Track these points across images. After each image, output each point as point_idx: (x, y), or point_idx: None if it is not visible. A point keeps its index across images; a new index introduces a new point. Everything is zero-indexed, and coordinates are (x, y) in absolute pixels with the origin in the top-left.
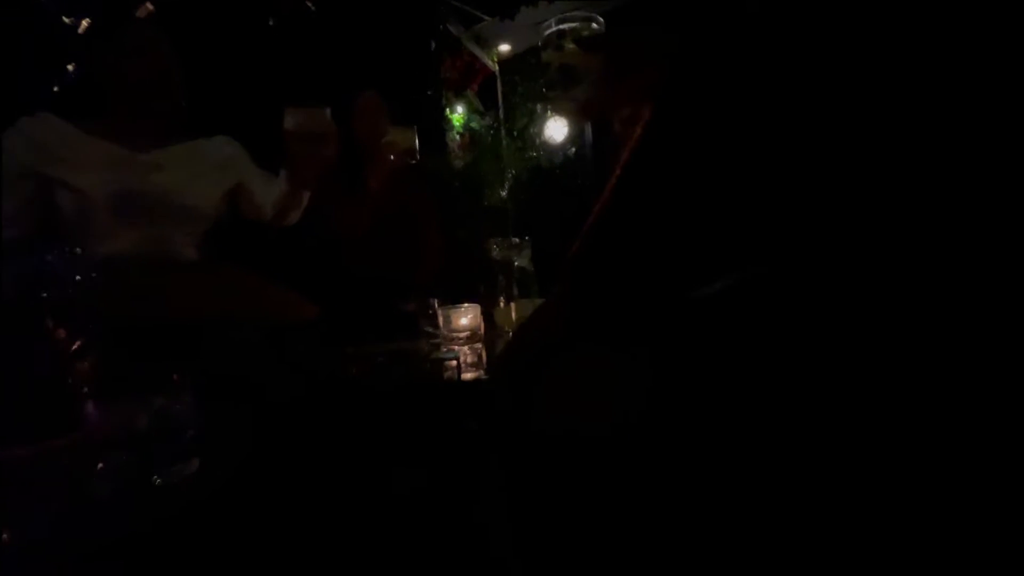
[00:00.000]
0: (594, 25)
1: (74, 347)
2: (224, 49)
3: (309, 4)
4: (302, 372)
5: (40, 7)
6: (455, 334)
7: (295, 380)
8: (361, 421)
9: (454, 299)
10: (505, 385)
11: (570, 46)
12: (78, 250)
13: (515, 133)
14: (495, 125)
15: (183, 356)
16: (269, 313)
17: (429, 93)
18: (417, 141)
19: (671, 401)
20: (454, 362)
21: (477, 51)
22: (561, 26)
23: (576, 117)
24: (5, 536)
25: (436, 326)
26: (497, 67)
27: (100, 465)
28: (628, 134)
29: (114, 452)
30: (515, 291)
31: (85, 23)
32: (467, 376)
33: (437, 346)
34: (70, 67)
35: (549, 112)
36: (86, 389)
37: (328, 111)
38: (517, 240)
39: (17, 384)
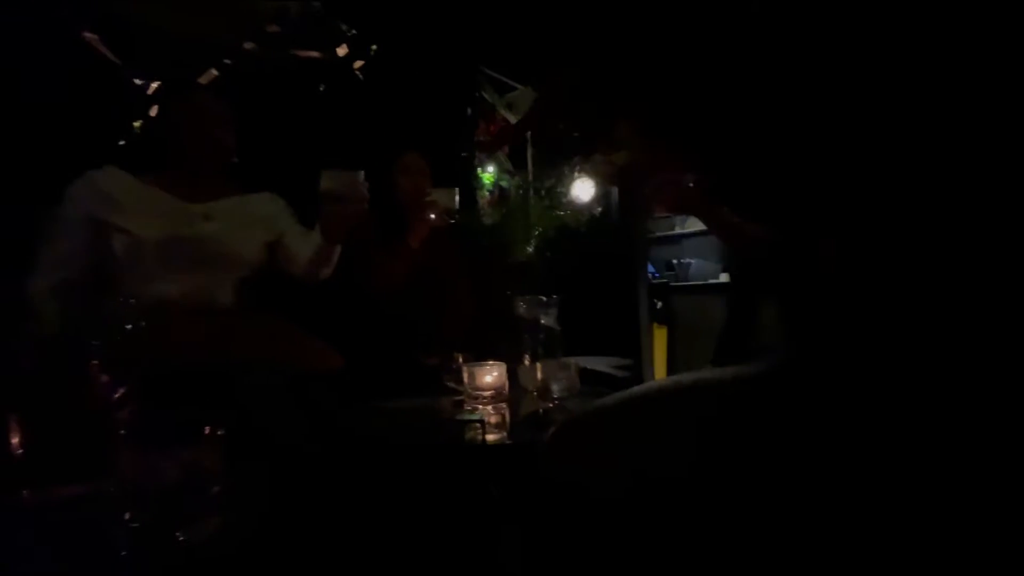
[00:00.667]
0: None
1: (116, 395)
2: (278, 111)
3: (358, 73)
4: (323, 424)
5: (114, 68)
6: (479, 392)
7: (314, 432)
8: (381, 479)
9: (479, 356)
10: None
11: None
12: (132, 300)
13: (543, 192)
14: (524, 184)
15: (210, 403)
16: (296, 360)
17: (463, 155)
18: (457, 201)
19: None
20: (478, 424)
21: (510, 116)
22: None
23: (612, 181)
24: None
25: (459, 382)
26: (528, 131)
27: (127, 515)
28: (656, 199)
29: (141, 504)
30: (540, 350)
31: (155, 85)
32: (490, 438)
33: (460, 404)
34: (136, 124)
35: (576, 173)
36: (122, 437)
37: (361, 174)
38: (544, 298)
39: (59, 426)
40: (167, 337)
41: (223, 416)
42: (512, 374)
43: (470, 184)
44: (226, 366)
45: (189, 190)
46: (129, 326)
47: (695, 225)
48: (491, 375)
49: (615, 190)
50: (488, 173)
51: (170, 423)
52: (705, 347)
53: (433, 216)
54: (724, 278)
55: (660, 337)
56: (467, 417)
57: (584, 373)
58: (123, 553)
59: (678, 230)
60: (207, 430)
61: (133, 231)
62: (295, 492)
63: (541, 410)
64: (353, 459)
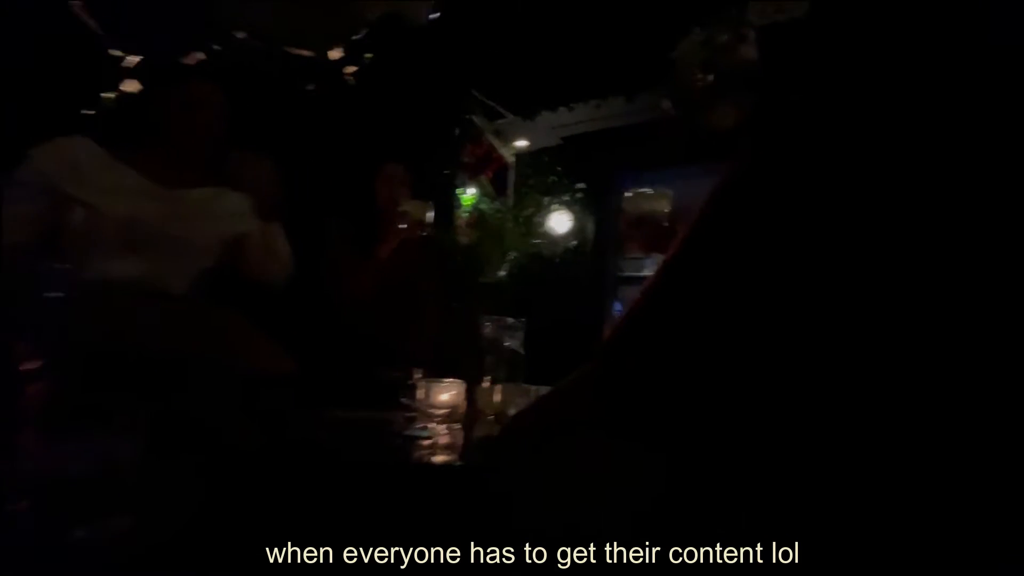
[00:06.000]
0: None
1: (30, 366)
2: (261, 105)
3: (349, 78)
4: (266, 428)
5: (91, 35)
6: (433, 410)
7: (256, 436)
8: (320, 492)
9: (439, 373)
10: (506, 461)
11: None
12: (68, 266)
13: (520, 219)
14: (503, 210)
15: (145, 393)
16: (245, 358)
17: (446, 172)
18: (432, 215)
19: (683, 506)
20: (427, 441)
21: (496, 143)
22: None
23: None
24: None
25: (414, 398)
26: (513, 159)
27: (20, 504)
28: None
29: (38, 492)
30: (502, 374)
31: (133, 59)
32: (438, 459)
33: (412, 420)
34: (107, 96)
35: (555, 206)
36: (29, 416)
37: (266, 160)
38: (511, 320)
39: None
40: (117, 316)
41: (152, 406)
42: (470, 395)
43: (449, 203)
44: (173, 355)
45: (165, 173)
46: (59, 294)
47: None
48: (448, 393)
49: (591, 225)
50: (469, 195)
51: (91, 407)
52: None
53: (404, 226)
54: None
55: None
56: (416, 433)
57: None
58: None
59: (647, 272)
60: (127, 418)
61: (94, 206)
62: (222, 493)
63: (496, 435)
64: (292, 467)
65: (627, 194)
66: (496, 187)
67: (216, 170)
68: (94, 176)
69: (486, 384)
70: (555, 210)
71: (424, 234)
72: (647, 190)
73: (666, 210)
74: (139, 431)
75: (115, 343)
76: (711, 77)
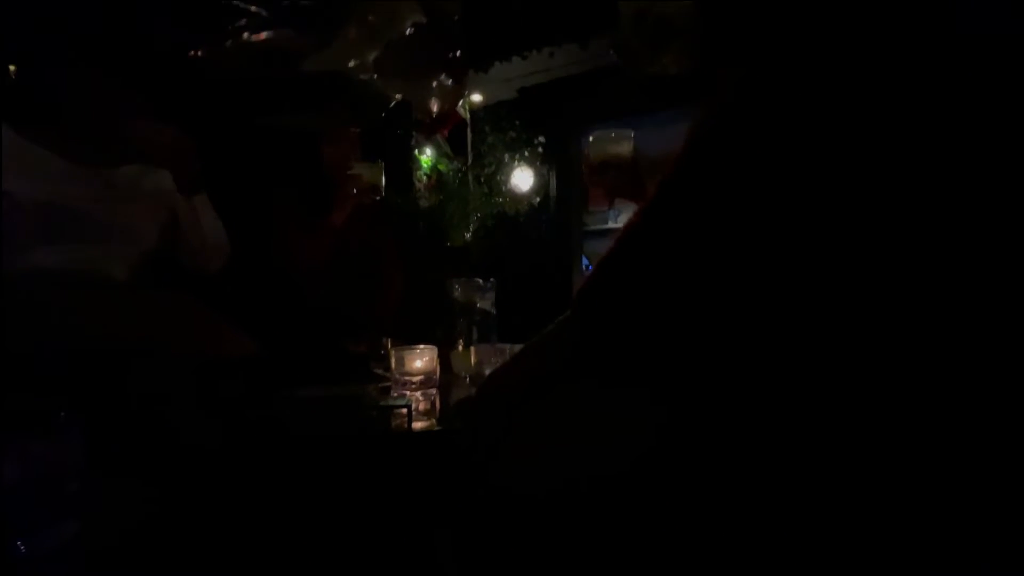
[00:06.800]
0: None
1: None
2: (187, 70)
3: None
4: (227, 416)
5: None
6: (407, 378)
7: (216, 425)
8: (291, 477)
9: (410, 340)
10: (485, 421)
11: None
12: None
13: (482, 179)
14: (463, 169)
15: (89, 388)
16: (202, 345)
17: (399, 132)
18: (384, 178)
19: (676, 454)
20: (404, 410)
21: None
22: None
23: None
24: None
25: (387, 368)
26: (468, 116)
27: None
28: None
29: None
30: (475, 335)
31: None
32: (418, 426)
33: (387, 391)
34: (11, 68)
35: (516, 162)
36: None
37: (173, 130)
38: (481, 281)
39: None
40: (48, 309)
41: (97, 404)
42: (444, 359)
43: (406, 165)
44: (120, 348)
45: (81, 153)
46: None
47: None
48: (421, 360)
49: (553, 181)
50: (426, 156)
51: (27, 409)
52: None
53: (356, 191)
54: None
55: None
56: (392, 403)
57: None
58: None
59: (611, 224)
60: (62, 417)
61: (9, 191)
62: (181, 492)
63: (473, 395)
64: (260, 454)
65: (590, 138)
66: (453, 145)
67: (132, 145)
68: (5, 158)
69: (460, 347)
70: (516, 167)
71: (379, 198)
72: (609, 132)
73: (628, 152)
74: (75, 431)
75: (49, 338)
76: (649, 25)
